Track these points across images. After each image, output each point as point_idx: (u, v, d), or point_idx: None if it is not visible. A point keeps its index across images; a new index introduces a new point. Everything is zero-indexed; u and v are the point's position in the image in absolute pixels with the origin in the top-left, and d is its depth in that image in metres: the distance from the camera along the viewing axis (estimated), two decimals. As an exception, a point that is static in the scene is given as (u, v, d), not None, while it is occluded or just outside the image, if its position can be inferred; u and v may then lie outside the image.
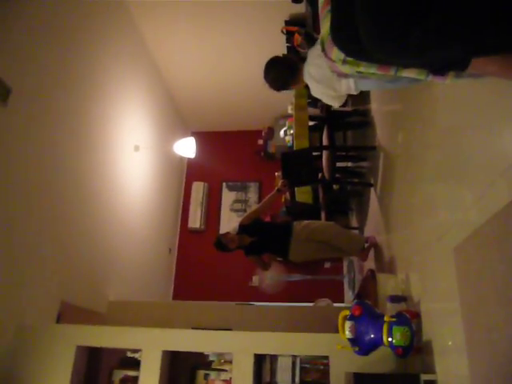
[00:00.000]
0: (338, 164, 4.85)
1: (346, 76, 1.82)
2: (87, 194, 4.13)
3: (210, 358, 3.05)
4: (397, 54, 1.28)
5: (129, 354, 3.03)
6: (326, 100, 2.31)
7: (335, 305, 5.67)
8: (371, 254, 4.03)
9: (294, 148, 4.83)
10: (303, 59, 2.22)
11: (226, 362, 2.99)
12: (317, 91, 2.24)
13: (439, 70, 1.34)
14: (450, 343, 2.13)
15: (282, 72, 2.32)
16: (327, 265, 6.60)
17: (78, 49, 4.01)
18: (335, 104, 2.34)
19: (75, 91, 3.93)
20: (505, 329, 1.52)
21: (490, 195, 1.67)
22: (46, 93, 3.48)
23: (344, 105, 5.53)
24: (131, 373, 3.01)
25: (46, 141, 3.47)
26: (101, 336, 3.00)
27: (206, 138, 7.57)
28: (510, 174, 1.51)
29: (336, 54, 1.60)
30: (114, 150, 4.75)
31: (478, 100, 1.81)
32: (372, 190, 4.19)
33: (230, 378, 2.85)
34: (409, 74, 1.45)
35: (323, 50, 1.71)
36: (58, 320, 3.50)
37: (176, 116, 7.22)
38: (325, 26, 1.66)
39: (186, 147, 5.67)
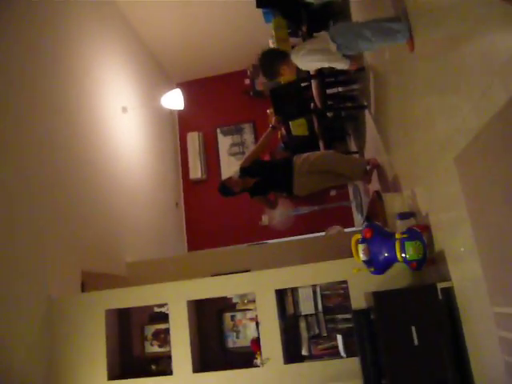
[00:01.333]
0: (329, 91, 4.77)
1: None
2: (85, 165, 4.12)
3: (234, 301, 3.16)
4: None
5: (156, 310, 3.15)
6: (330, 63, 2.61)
7: (346, 230, 5.78)
8: (375, 175, 4.05)
9: (282, 82, 4.73)
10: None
11: (249, 301, 3.11)
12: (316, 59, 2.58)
13: None
14: (462, 249, 2.18)
15: (269, 62, 2.67)
16: (333, 193, 6.67)
17: (50, 17, 3.86)
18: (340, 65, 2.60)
19: (50, 64, 3.81)
20: (511, 222, 1.55)
21: (486, 98, 1.65)
22: (21, 68, 3.38)
23: (326, 28, 5.39)
24: (162, 326, 3.14)
25: (35, 116, 3.42)
26: (126, 297, 3.11)
27: (192, 87, 7.42)
28: (505, 72, 1.47)
29: None
30: (102, 116, 4.67)
31: (463, 6, 1.74)
32: (366, 111, 4.14)
33: (256, 316, 2.97)
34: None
35: None
36: (83, 289, 3.61)
37: (158, 71, 7.03)
38: None
39: (174, 100, 5.57)
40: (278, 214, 5.71)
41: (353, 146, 5.55)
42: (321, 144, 5.03)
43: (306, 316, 3.03)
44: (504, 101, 1.48)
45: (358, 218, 5.94)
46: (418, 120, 2.60)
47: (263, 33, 5.64)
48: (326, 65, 2.66)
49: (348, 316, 2.95)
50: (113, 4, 5.47)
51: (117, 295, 3.13)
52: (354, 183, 5.48)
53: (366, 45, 2.51)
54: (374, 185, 4.12)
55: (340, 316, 3.01)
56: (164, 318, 3.08)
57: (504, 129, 1.51)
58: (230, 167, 6.93)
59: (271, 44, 5.38)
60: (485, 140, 1.67)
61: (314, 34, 2.59)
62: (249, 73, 7.17)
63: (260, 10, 4.99)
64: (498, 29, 1.52)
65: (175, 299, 3.01)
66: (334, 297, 3.02)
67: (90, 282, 3.69)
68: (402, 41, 2.41)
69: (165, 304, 3.09)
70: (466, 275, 2.18)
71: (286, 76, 2.73)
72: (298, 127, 5.08)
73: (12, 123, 3.16)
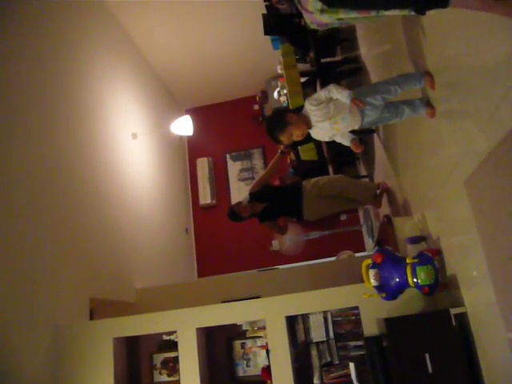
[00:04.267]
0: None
1: (327, 26, 1.77)
2: (95, 191, 4.14)
3: (244, 328, 3.12)
4: None
5: (165, 337, 3.11)
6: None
7: (357, 255, 5.72)
8: (385, 199, 4.02)
9: (290, 107, 4.77)
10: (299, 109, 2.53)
11: (259, 328, 3.06)
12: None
13: (422, 8, 1.30)
14: (474, 273, 2.14)
15: (272, 127, 2.58)
16: (343, 217, 6.63)
17: (58, 44, 3.95)
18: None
19: (61, 90, 3.89)
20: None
21: (494, 121, 1.64)
22: (31, 90, 3.44)
23: (333, 55, 5.47)
24: (171, 354, 3.09)
25: (45, 143, 3.47)
26: (135, 325, 3.08)
27: (201, 113, 7.51)
28: (511, 97, 1.47)
29: (313, 4, 1.55)
30: (112, 143, 4.73)
31: (468, 28, 1.75)
32: (375, 135, 4.14)
33: (266, 343, 2.92)
34: (391, 13, 1.40)
35: (298, 1, 1.65)
36: (91, 317, 3.59)
37: (168, 97, 7.14)
38: None
39: (183, 126, 5.63)
40: (288, 239, 5.67)
41: (362, 170, 5.54)
42: (330, 168, 5.04)
43: (317, 343, 2.97)
44: (510, 123, 1.47)
45: (368, 243, 5.87)
46: (427, 143, 2.59)
47: (272, 59, 5.74)
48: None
49: (360, 343, 2.89)
50: (123, 31, 5.58)
51: (125, 323, 3.09)
52: (365, 207, 5.45)
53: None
54: (385, 209, 4.09)
55: (352, 343, 2.95)
56: (173, 346, 3.03)
57: (509, 155, 1.49)
58: (239, 192, 6.95)
59: (279, 70, 5.46)
60: (494, 163, 1.66)
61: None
62: (258, 99, 7.25)
63: (268, 37, 5.08)
64: (504, 51, 1.52)
65: (184, 326, 2.97)
66: (345, 323, 2.97)
67: (99, 310, 3.67)
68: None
69: (174, 332, 3.05)
70: (480, 300, 2.13)
71: (296, 135, 2.53)
72: (307, 152, 5.10)
73: (21, 149, 3.19)
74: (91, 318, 3.57)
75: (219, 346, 3.16)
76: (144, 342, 3.22)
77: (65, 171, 3.68)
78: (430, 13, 1.33)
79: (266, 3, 4.98)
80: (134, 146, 5.31)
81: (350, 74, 4.76)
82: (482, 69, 1.70)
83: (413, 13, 1.35)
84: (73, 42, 4.23)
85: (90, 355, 2.98)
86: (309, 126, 2.48)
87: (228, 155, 7.49)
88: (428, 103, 2.34)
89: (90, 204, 4.00)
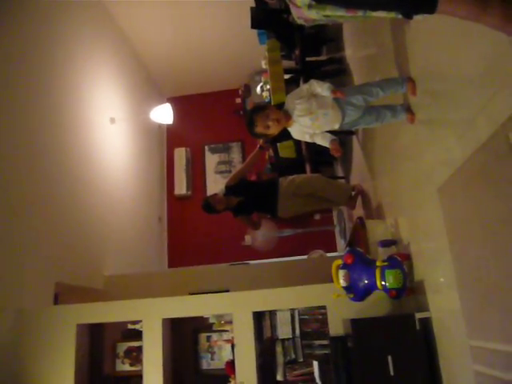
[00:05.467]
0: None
1: (313, 21, 1.75)
2: (70, 173, 4.06)
3: (211, 321, 3.11)
4: None
5: (130, 326, 3.08)
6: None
7: (328, 255, 5.76)
8: (359, 201, 4.06)
9: (272, 103, 4.75)
10: None
11: (226, 322, 3.05)
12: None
13: (408, 12, 1.30)
14: (441, 280, 2.17)
15: (250, 114, 2.56)
16: (317, 216, 6.66)
17: (40, 25, 3.83)
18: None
19: (40, 71, 3.78)
20: (492, 260, 1.55)
21: (470, 132, 1.66)
22: (10, 75, 3.34)
23: (318, 54, 5.47)
24: (134, 344, 3.06)
25: (18, 123, 3.36)
26: (99, 312, 3.03)
27: (182, 103, 7.42)
28: (489, 109, 1.49)
29: None
30: (90, 126, 4.63)
31: (453, 37, 1.77)
32: (354, 137, 4.17)
33: (232, 337, 2.91)
34: (378, 15, 1.40)
35: None
36: (56, 301, 3.51)
37: (149, 84, 7.03)
38: None
39: (163, 114, 5.55)
40: (261, 234, 5.66)
41: (339, 171, 5.57)
42: (307, 167, 5.05)
43: (282, 340, 2.98)
44: (486, 134, 1.49)
45: (340, 243, 5.93)
46: (404, 149, 2.61)
47: (257, 53, 5.69)
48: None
49: (325, 342, 2.91)
50: (107, 14, 5.47)
51: (89, 309, 3.04)
52: (339, 208, 5.49)
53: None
54: (359, 211, 4.12)
55: (317, 342, 2.97)
56: (137, 335, 3.00)
57: (485, 163, 1.51)
58: (215, 185, 6.90)
59: (264, 65, 5.43)
60: (467, 173, 1.68)
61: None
62: (240, 92, 7.21)
63: (255, 31, 5.05)
64: (485, 63, 1.54)
65: (150, 316, 2.93)
66: (312, 322, 2.99)
67: (64, 294, 3.59)
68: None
69: (139, 321, 3.01)
70: (444, 306, 2.17)
71: (273, 130, 2.49)
72: (286, 149, 5.10)
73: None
74: (56, 303, 3.49)
75: (184, 337, 3.14)
76: (108, 329, 3.17)
77: (34, 151, 3.58)
78: (418, 18, 1.33)
79: (255, -4, 4.94)
80: (111, 130, 5.21)
81: (334, 74, 4.77)
82: (464, 79, 1.71)
83: (400, 16, 1.35)
84: (52, 21, 4.11)
85: (52, 341, 2.92)
86: (288, 118, 2.46)
87: (206, 147, 7.43)
88: (408, 109, 2.36)
89: (61, 186, 3.90)
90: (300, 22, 1.78)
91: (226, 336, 3.07)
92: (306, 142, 4.75)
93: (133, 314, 3.00)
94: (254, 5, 4.85)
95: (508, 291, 1.45)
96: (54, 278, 3.53)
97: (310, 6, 1.54)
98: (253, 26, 4.75)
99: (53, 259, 3.57)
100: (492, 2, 1.14)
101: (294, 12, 1.71)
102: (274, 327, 2.98)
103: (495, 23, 1.18)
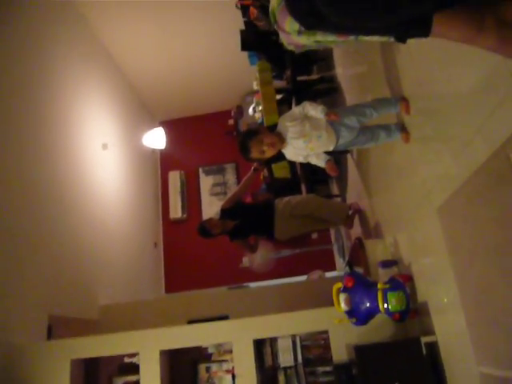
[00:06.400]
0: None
1: (303, 47, 1.72)
2: (62, 201, 3.98)
3: (210, 351, 3.01)
4: (363, 15, 1.18)
5: (126, 360, 2.97)
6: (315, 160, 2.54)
7: (328, 274, 5.69)
8: (356, 220, 4.00)
9: (265, 124, 4.73)
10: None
11: (225, 351, 2.96)
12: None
13: (402, 36, 1.26)
14: (445, 300, 2.12)
15: (243, 138, 2.51)
16: (315, 236, 6.59)
17: (31, 51, 3.82)
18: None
19: (31, 98, 3.74)
20: (496, 279, 1.49)
21: (467, 152, 1.62)
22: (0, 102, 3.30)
23: (309, 73, 5.48)
24: (132, 378, 2.95)
25: (11, 150, 3.31)
26: (94, 346, 2.92)
27: (175, 126, 7.41)
28: (486, 129, 1.45)
29: (290, 24, 1.50)
30: (81, 152, 4.58)
31: (446, 56, 1.74)
32: (349, 156, 4.14)
33: (233, 367, 2.82)
34: (370, 39, 1.37)
35: (275, 21, 1.60)
36: (49, 334, 3.39)
37: (141, 108, 7.02)
38: None
39: (156, 138, 5.52)
40: (259, 256, 5.60)
41: (335, 190, 5.53)
42: (303, 187, 5.01)
43: (285, 368, 2.89)
44: (484, 154, 1.45)
45: (339, 262, 5.85)
46: (400, 167, 2.58)
47: (248, 75, 5.70)
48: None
49: (329, 368, 2.82)
50: (98, 40, 5.48)
51: (83, 343, 2.93)
52: (336, 227, 5.42)
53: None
54: (356, 229, 4.07)
55: (321, 368, 2.88)
56: (134, 368, 2.89)
57: (486, 184, 1.47)
58: (211, 207, 6.83)
59: (255, 86, 5.43)
60: (467, 194, 1.64)
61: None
62: (233, 113, 7.20)
63: (245, 53, 5.05)
64: (479, 83, 1.51)
65: (147, 348, 2.84)
66: (314, 348, 2.90)
67: (58, 327, 3.46)
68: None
69: (136, 354, 2.91)
70: (451, 329, 2.10)
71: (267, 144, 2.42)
72: (281, 170, 5.06)
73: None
74: (50, 336, 3.37)
75: (183, 369, 3.03)
76: (104, 364, 3.06)
77: (29, 179, 3.52)
78: (410, 40, 1.30)
79: (245, 19, 4.95)
80: (103, 156, 5.15)
81: (326, 93, 4.77)
82: (458, 98, 1.68)
83: (393, 40, 1.32)
84: (44, 48, 4.10)
85: (45, 377, 2.80)
86: (282, 141, 2.42)
87: (201, 169, 7.39)
88: (403, 128, 2.33)
89: (54, 214, 3.83)
90: (290, 47, 1.75)
91: (226, 366, 2.97)
92: (301, 162, 4.73)
93: (129, 346, 2.89)
94: (243, 27, 4.87)
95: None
96: (47, 310, 3.42)
97: (299, 32, 1.51)
98: (243, 49, 4.76)
99: (45, 290, 3.47)
100: (487, 23, 1.11)
101: (284, 38, 1.67)
102: (275, 355, 2.89)
103: (491, 45, 1.15)
